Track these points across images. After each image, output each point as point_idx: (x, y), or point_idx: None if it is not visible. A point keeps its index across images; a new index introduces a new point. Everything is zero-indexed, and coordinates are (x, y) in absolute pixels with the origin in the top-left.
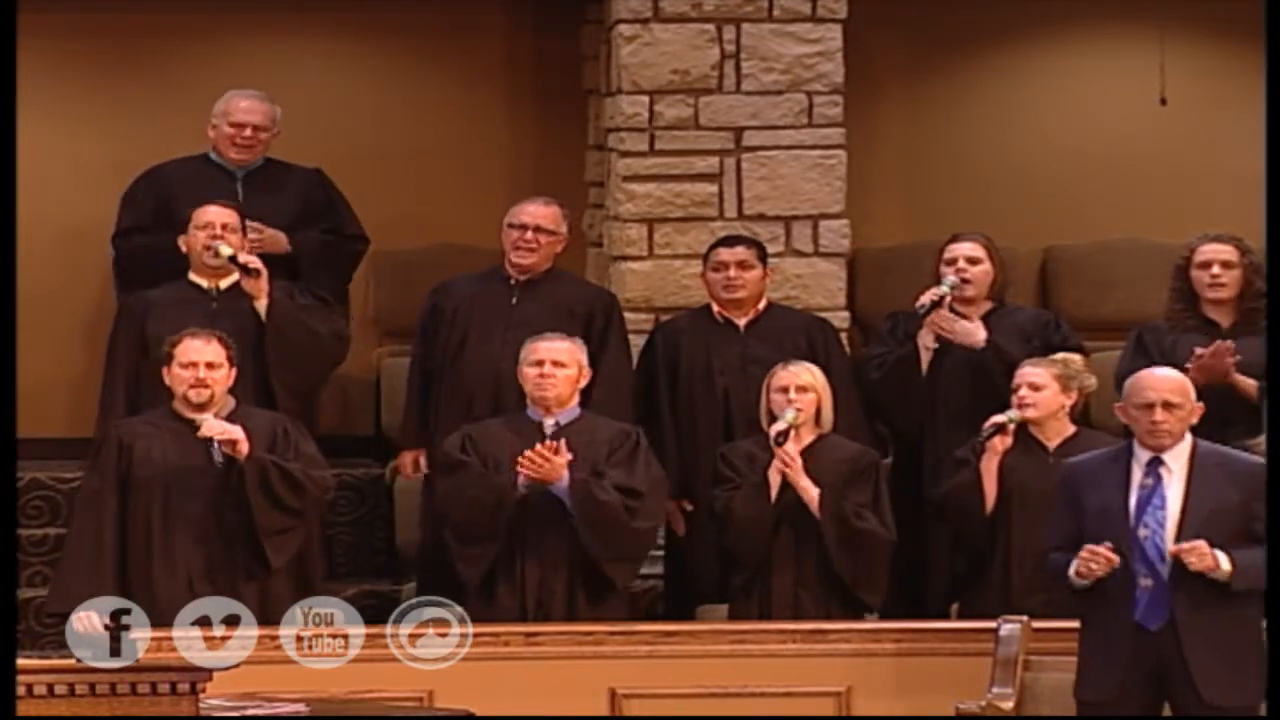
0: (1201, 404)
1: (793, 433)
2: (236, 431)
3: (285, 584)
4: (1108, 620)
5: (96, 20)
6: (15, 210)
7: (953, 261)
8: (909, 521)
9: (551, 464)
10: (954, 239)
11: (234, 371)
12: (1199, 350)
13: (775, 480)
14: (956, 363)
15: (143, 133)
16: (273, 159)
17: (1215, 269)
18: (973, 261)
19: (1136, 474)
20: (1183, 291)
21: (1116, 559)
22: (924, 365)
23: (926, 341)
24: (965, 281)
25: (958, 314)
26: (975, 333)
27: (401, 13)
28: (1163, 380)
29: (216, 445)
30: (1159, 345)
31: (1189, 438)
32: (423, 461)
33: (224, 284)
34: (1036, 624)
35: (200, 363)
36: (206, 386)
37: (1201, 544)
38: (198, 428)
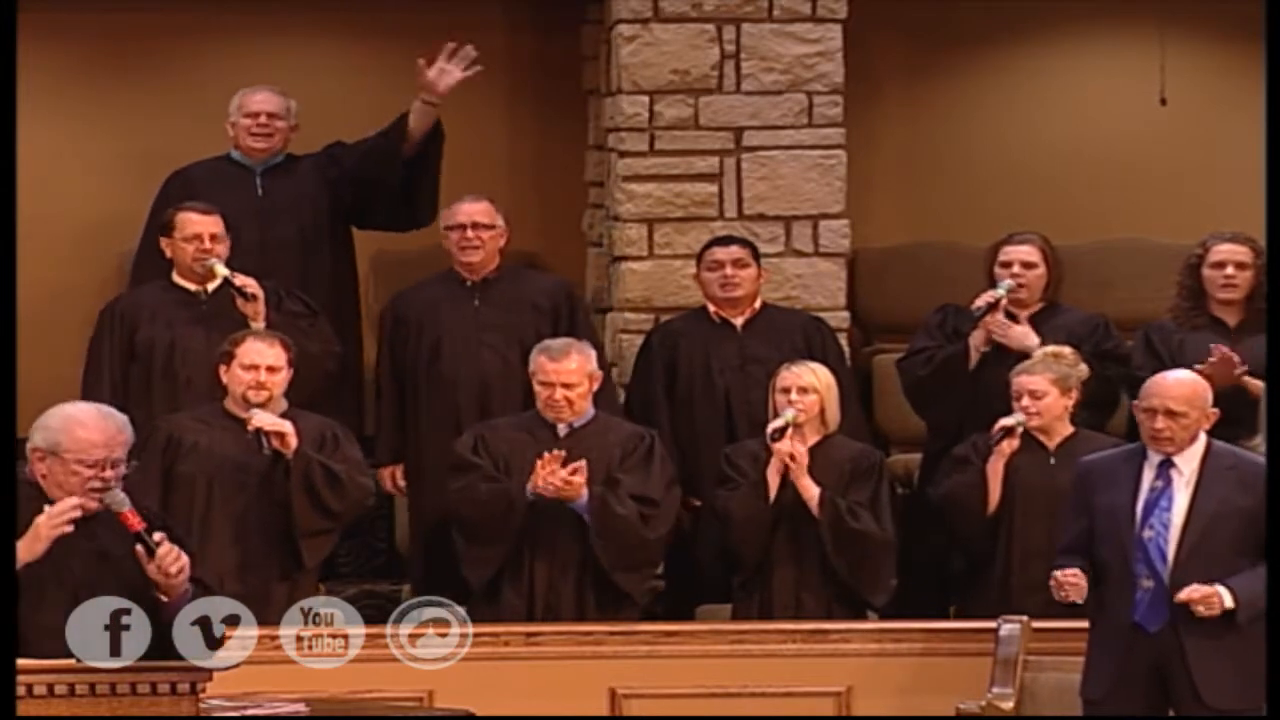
0: (1216, 410)
1: (790, 431)
2: (286, 425)
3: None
4: (1107, 620)
5: (97, 21)
6: (15, 210)
7: (1008, 265)
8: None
9: (572, 484)
10: (1009, 240)
11: (290, 374)
12: (1209, 360)
13: (774, 480)
14: (1004, 366)
15: (148, 132)
16: (291, 154)
17: (1229, 270)
18: (1028, 266)
19: (1148, 475)
20: (1191, 289)
21: (1084, 583)
22: (972, 365)
23: (978, 342)
24: (1021, 287)
25: (1011, 316)
26: (1028, 337)
27: (401, 13)
28: (1171, 386)
29: (265, 437)
30: (1167, 344)
31: (1203, 439)
32: (399, 475)
33: (211, 287)
34: (1036, 624)
35: (262, 365)
36: (266, 389)
37: (1210, 592)
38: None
